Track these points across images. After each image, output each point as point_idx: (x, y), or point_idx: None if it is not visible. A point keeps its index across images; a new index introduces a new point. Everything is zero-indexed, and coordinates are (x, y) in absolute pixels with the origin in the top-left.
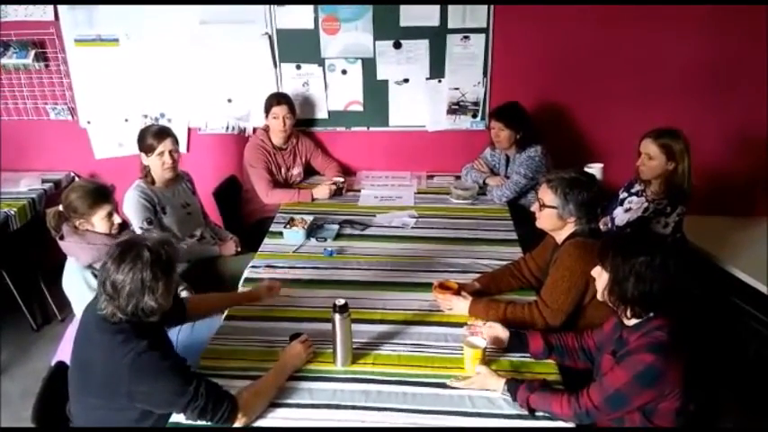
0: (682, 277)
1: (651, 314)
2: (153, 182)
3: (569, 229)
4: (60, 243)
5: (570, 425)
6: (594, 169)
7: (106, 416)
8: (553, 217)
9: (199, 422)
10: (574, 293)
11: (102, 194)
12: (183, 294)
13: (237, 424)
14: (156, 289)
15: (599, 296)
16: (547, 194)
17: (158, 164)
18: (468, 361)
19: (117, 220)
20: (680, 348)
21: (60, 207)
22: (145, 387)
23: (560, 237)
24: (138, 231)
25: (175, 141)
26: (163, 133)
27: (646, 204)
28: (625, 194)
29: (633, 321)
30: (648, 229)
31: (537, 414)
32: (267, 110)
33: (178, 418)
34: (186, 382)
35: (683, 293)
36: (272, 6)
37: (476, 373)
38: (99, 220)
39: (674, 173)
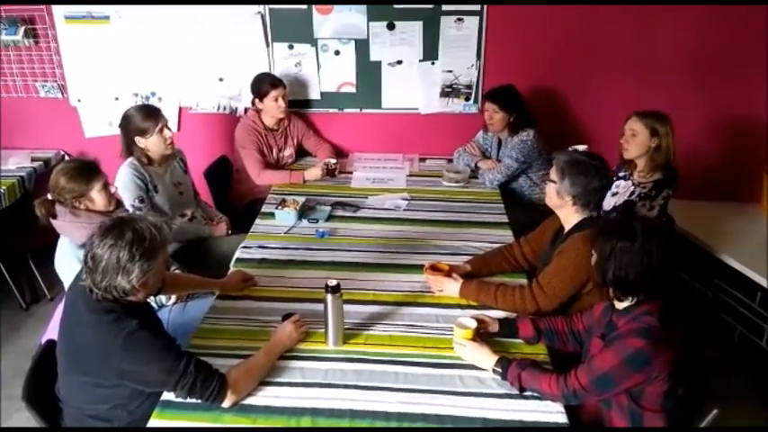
0: (665, 264)
1: (641, 298)
2: (149, 161)
3: (572, 212)
4: (53, 222)
5: (555, 419)
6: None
7: (98, 393)
8: (553, 192)
9: (189, 399)
10: (573, 285)
11: (91, 169)
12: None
13: (226, 402)
14: (130, 271)
15: None
16: (552, 169)
17: (160, 141)
18: None
19: (112, 189)
20: (669, 333)
21: (49, 196)
22: (136, 366)
23: (567, 223)
24: (130, 209)
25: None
26: (156, 111)
27: (632, 188)
28: (613, 179)
29: (623, 305)
30: (636, 214)
31: (526, 394)
32: (262, 93)
33: (169, 395)
34: (176, 360)
35: (668, 279)
36: None
37: (472, 341)
38: (97, 194)
39: (658, 150)
